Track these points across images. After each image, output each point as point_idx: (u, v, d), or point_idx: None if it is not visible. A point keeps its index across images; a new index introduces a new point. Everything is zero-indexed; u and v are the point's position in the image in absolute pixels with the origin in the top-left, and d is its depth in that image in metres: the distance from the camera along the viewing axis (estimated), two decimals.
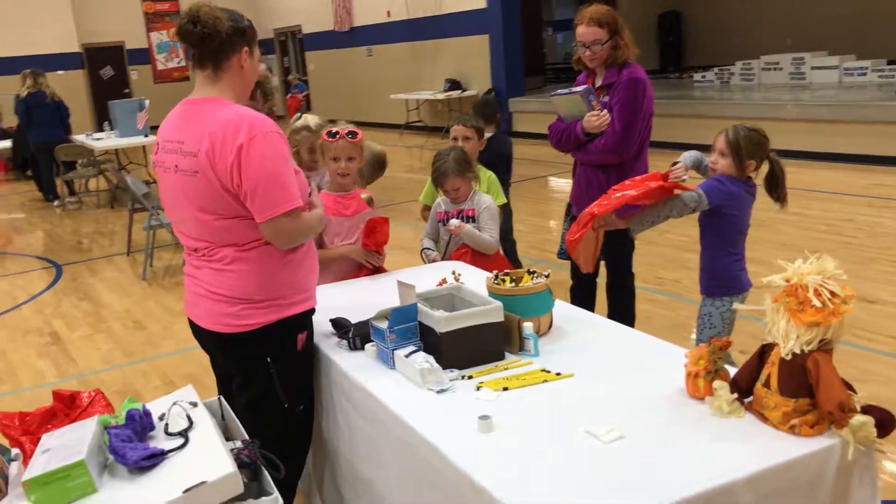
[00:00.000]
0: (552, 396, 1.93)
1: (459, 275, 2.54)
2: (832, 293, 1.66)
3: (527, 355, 2.17)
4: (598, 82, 3.54)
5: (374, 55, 16.58)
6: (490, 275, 2.40)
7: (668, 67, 16.03)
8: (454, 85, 14.15)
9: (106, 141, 10.34)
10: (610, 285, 3.87)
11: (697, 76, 12.82)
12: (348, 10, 17.16)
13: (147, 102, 10.60)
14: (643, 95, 3.46)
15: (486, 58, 13.48)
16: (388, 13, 15.74)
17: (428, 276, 2.68)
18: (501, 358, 2.16)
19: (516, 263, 5.46)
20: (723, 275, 2.98)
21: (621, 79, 3.45)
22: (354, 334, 2.30)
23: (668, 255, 5.86)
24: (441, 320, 2.08)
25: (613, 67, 3.49)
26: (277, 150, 2.10)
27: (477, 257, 3.31)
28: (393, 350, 2.12)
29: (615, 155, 3.48)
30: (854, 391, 1.69)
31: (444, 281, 2.48)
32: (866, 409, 1.64)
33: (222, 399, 2.09)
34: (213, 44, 2.14)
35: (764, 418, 1.71)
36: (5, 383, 4.43)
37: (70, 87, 18.18)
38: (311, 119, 3.53)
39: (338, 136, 2.99)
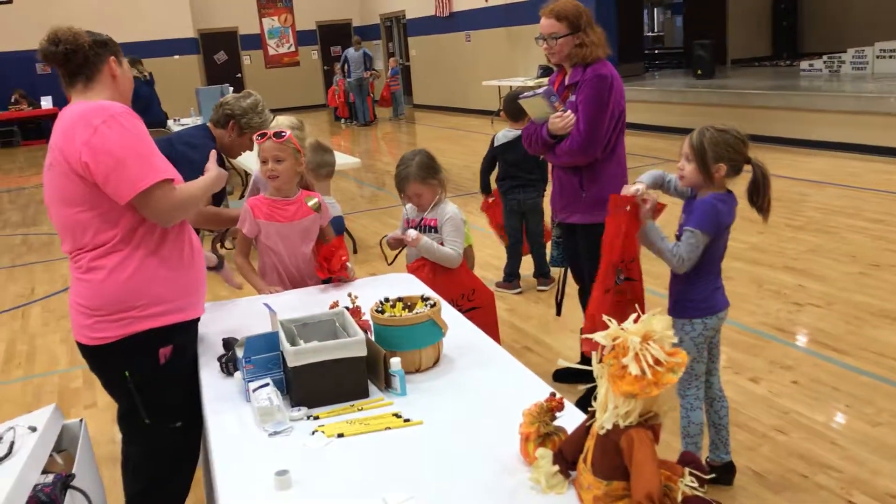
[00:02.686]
0: (382, 448, 1.75)
1: (356, 297, 2.38)
2: (656, 360, 1.39)
3: (392, 394, 1.99)
4: (567, 81, 3.34)
5: (472, 41, 16.40)
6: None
7: (782, 54, 15.02)
8: (546, 71, 13.76)
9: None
10: (581, 293, 3.61)
11: (805, 65, 11.92)
12: None
13: (231, 89, 10.86)
14: (609, 93, 3.23)
15: None
16: None
17: (329, 297, 2.53)
18: (365, 396, 1.99)
19: (542, 268, 5.22)
20: (696, 296, 2.69)
21: (585, 77, 3.26)
22: (228, 359, 2.18)
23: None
24: (291, 353, 1.93)
25: (579, 66, 3.28)
26: (130, 129, 2.11)
27: (437, 271, 3.13)
28: (248, 381, 1.99)
29: (582, 156, 3.29)
30: (681, 474, 1.43)
31: (336, 304, 2.32)
32: (688, 502, 1.38)
33: (84, 422, 2.03)
34: (77, 59, 2.16)
35: (581, 499, 1.48)
36: (21, 368, 4.61)
37: (186, 72, 19.03)
38: (283, 121, 3.43)
39: (265, 137, 2.88)
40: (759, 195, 2.61)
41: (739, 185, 2.68)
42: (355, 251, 6.51)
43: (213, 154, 2.55)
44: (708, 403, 2.81)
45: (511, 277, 5.24)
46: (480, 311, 3.17)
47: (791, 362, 3.81)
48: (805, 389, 3.53)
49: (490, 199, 5.27)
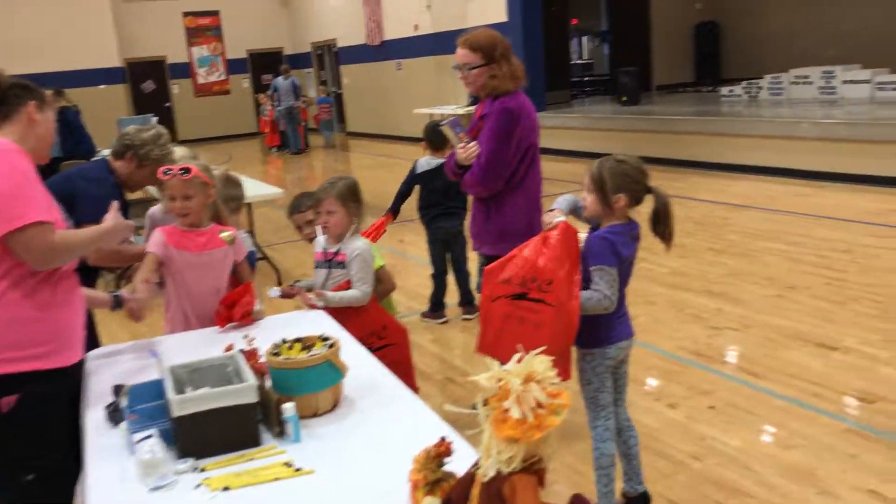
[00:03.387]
0: (270, 501, 1.67)
1: (252, 339, 2.29)
2: (538, 402, 1.35)
3: (286, 441, 1.91)
4: (482, 112, 3.36)
5: (403, 69, 16.46)
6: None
7: (704, 80, 15.47)
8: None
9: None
10: None
11: (725, 90, 12.29)
12: (378, 24, 17.10)
13: (154, 119, 10.64)
14: (514, 126, 3.25)
15: None
16: (416, 27, 15.61)
17: (229, 338, 2.44)
18: (257, 444, 1.90)
19: (467, 296, 5.19)
20: (598, 326, 2.67)
21: (493, 109, 3.28)
22: (114, 408, 2.07)
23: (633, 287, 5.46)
24: (176, 402, 1.83)
25: (490, 98, 3.29)
26: (16, 167, 2.06)
27: (347, 309, 3.05)
28: (132, 433, 1.89)
29: (482, 188, 3.30)
30: None
31: (231, 347, 2.23)
32: None
33: None
34: None
35: None
36: None
37: (112, 102, 18.58)
38: (179, 152, 3.33)
39: (171, 173, 2.78)
40: (661, 223, 2.64)
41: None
42: (279, 283, 6.38)
43: (113, 205, 2.47)
44: (617, 433, 2.79)
45: (436, 307, 5.20)
46: (393, 348, 3.11)
47: (709, 387, 3.84)
48: (721, 414, 3.56)
49: (388, 221, 5.13)
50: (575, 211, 2.74)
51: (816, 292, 5.02)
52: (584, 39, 22.69)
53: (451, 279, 5.20)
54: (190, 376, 2.03)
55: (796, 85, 11.14)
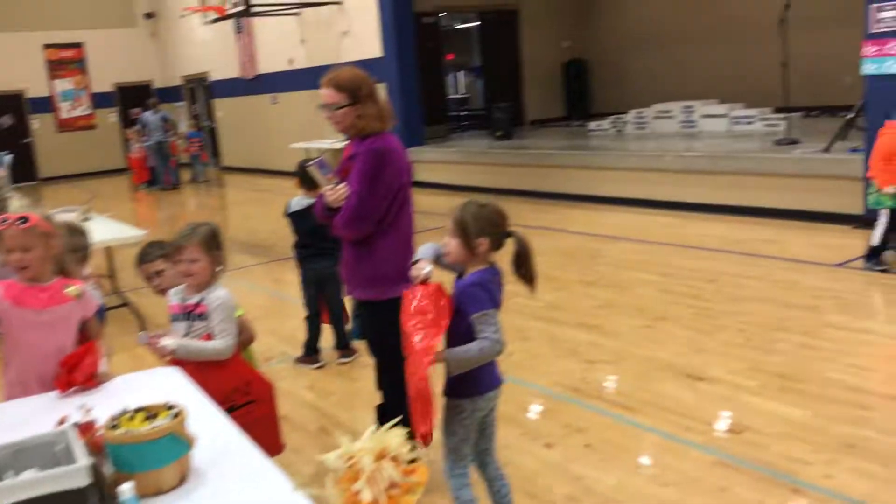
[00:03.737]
0: None
1: (90, 409, 2.08)
2: (392, 482, 1.24)
3: None
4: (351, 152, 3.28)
5: (278, 102, 16.20)
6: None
7: (574, 115, 15.98)
8: None
9: None
10: (380, 369, 3.47)
11: (593, 125, 12.71)
12: (252, 57, 16.80)
13: (8, 157, 9.95)
14: (383, 167, 3.18)
15: None
16: (291, 61, 15.43)
17: (65, 407, 2.22)
18: None
19: (342, 340, 5.03)
20: (466, 376, 2.60)
21: (361, 150, 3.20)
22: None
23: (509, 323, 5.46)
24: None
25: (359, 138, 3.21)
26: None
27: (207, 364, 2.86)
28: None
29: (353, 231, 3.21)
30: None
31: (64, 419, 2.02)
32: None
33: None
34: None
35: None
36: None
37: None
38: (15, 201, 3.07)
39: (6, 223, 2.54)
40: (522, 266, 2.65)
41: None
42: (144, 328, 6.02)
43: None
44: (488, 484, 2.74)
45: (311, 351, 5.01)
46: (258, 404, 2.93)
47: (584, 424, 3.83)
48: (597, 452, 3.55)
49: None
50: (438, 259, 2.69)
51: (686, 322, 5.16)
52: (461, 74, 23.08)
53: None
54: (13, 458, 1.81)
55: (659, 119, 11.64)
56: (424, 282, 2.56)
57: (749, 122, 10.58)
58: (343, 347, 5.01)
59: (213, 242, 2.97)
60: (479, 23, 16.71)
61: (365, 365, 4.37)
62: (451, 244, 2.60)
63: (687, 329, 5.03)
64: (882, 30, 6.91)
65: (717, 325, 5.06)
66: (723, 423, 3.72)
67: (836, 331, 4.75)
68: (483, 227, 2.56)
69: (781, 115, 10.02)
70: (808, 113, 11.16)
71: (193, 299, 2.93)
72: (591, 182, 9.91)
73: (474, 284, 2.56)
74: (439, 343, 2.49)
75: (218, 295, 2.93)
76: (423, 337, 2.41)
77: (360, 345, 4.44)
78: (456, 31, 20.54)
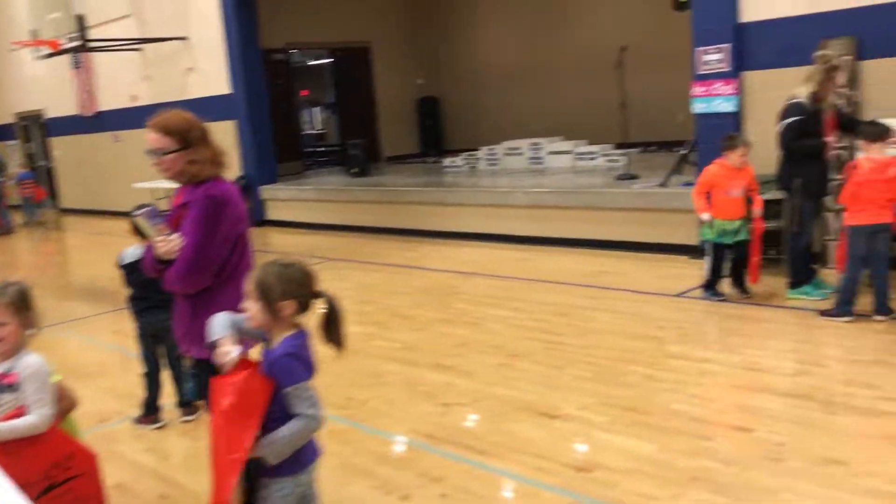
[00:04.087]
0: None
1: None
2: None
3: None
4: (182, 200, 3.08)
5: (121, 141, 15.42)
6: None
7: (429, 151, 16.16)
8: None
9: None
10: None
11: (447, 161, 12.88)
12: (92, 94, 15.96)
13: None
14: (220, 214, 3.01)
15: (236, 144, 12.86)
16: (134, 97, 14.77)
17: None
18: None
19: (184, 397, 4.74)
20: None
21: (195, 197, 3.02)
22: None
23: (366, 367, 5.34)
24: None
25: (191, 185, 3.05)
26: None
27: (20, 441, 2.57)
28: None
29: (188, 284, 3.01)
30: None
31: None
32: None
33: None
34: None
35: None
36: None
37: None
38: None
39: None
40: (332, 329, 2.52)
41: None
42: None
43: None
44: None
45: (150, 410, 4.68)
46: (81, 479, 2.67)
47: (440, 472, 3.75)
48: (453, 502, 3.47)
49: None
50: (238, 330, 2.51)
51: (539, 358, 5.22)
52: (317, 111, 22.91)
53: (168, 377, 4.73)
54: None
55: (509, 156, 11.93)
56: (234, 368, 2.36)
57: (592, 158, 11.02)
58: (185, 405, 4.71)
59: (23, 303, 2.71)
60: (331, 59, 16.64)
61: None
62: (254, 309, 2.44)
63: (540, 365, 5.08)
64: (708, 71, 7.38)
65: (568, 359, 5.14)
66: (575, 461, 3.74)
67: (679, 361, 4.93)
68: (288, 289, 2.41)
69: (622, 151, 10.50)
70: (645, 149, 11.78)
71: (1, 368, 2.64)
72: (447, 218, 9.99)
73: (287, 355, 2.40)
74: (250, 441, 2.30)
75: (29, 362, 2.66)
76: (230, 443, 2.23)
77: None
78: (309, 67, 20.42)
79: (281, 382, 2.36)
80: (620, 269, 7.50)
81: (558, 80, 14.08)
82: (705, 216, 5.98)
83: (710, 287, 6.16)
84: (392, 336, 6.01)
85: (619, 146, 10.91)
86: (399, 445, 4.14)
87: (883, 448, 3.57)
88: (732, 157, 5.92)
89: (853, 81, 6.52)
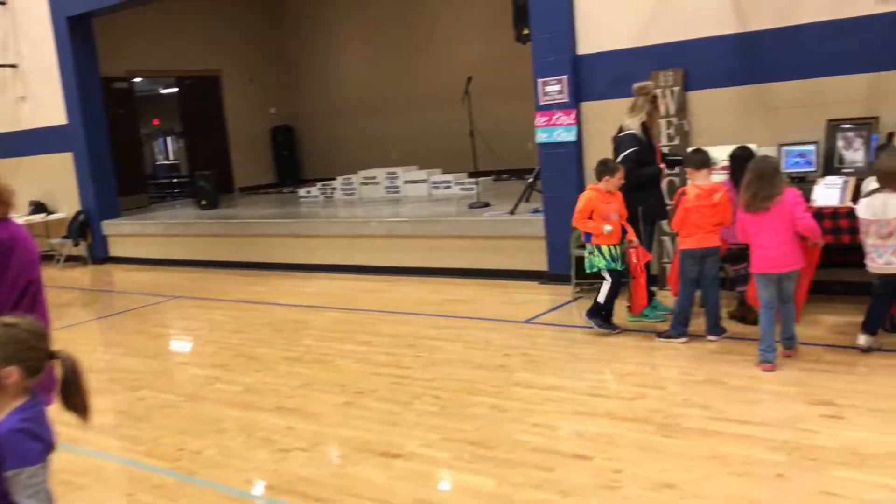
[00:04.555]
0: None
1: None
2: None
3: None
4: None
5: None
6: None
7: (285, 181, 15.84)
8: (38, 208, 12.49)
9: None
10: None
11: (302, 191, 12.64)
12: None
13: None
14: (8, 258, 2.79)
15: (73, 177, 12.10)
16: None
17: None
18: None
19: None
20: None
21: None
22: None
23: (203, 413, 5.03)
24: None
25: None
26: None
27: None
28: None
29: None
30: None
31: None
32: None
33: None
34: None
35: None
36: None
37: None
38: None
39: None
40: (73, 395, 2.24)
41: None
42: None
43: None
44: None
45: None
46: None
47: None
48: None
49: None
50: None
51: (384, 394, 5.08)
52: (171, 139, 22.05)
53: None
54: None
55: (366, 185, 11.83)
56: None
57: (448, 187, 11.09)
58: None
59: None
60: (177, 88, 16.06)
61: None
62: None
63: (385, 401, 4.94)
64: (549, 102, 7.56)
65: (414, 393, 5.03)
66: (414, 503, 3.62)
67: (524, 390, 4.92)
68: (11, 353, 2.12)
69: (475, 180, 10.62)
70: (499, 177, 11.98)
71: None
72: (299, 250, 9.74)
73: (13, 431, 2.10)
74: None
75: None
76: None
77: None
78: (161, 95, 19.63)
79: (4, 463, 2.07)
80: (471, 297, 7.51)
81: (413, 110, 14.18)
82: (607, 227, 5.71)
83: (601, 315, 5.89)
84: (234, 378, 5.72)
85: (473, 175, 11.04)
86: (232, 500, 3.87)
87: (712, 468, 3.65)
88: (611, 182, 5.75)
89: (681, 111, 6.84)
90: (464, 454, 4.07)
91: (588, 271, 5.99)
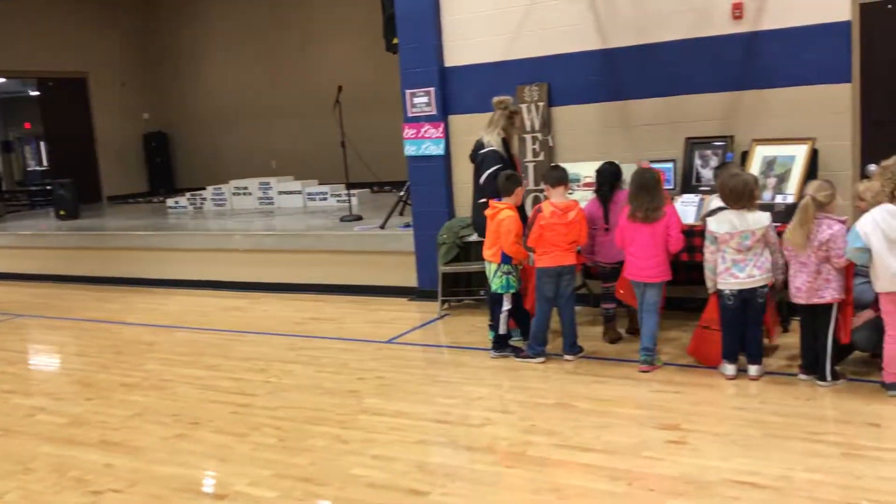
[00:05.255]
0: None
1: None
2: None
3: None
4: None
5: None
6: None
7: (158, 190, 15.11)
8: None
9: None
10: None
11: (171, 202, 12.03)
12: None
13: None
14: None
15: None
16: None
17: None
18: None
19: None
20: None
21: None
22: None
23: (15, 451, 4.52)
24: None
25: None
26: None
27: None
28: None
29: None
30: None
31: None
32: None
33: None
34: None
35: None
36: None
37: None
38: None
39: None
40: None
41: None
42: None
43: None
44: None
45: None
46: None
47: None
48: None
49: None
50: None
51: (221, 425, 4.71)
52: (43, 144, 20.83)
53: None
54: None
55: (238, 195, 11.35)
56: None
57: (323, 199, 10.75)
58: None
59: None
60: (38, 91, 15.09)
61: None
62: None
63: (220, 434, 4.58)
64: (417, 114, 7.35)
65: (253, 424, 4.68)
66: None
67: (371, 418, 4.66)
68: None
69: (352, 192, 10.31)
70: (379, 188, 11.72)
71: None
72: (160, 264, 9.21)
73: None
74: None
75: None
76: None
77: None
78: (31, 98, 18.44)
79: None
80: (336, 316, 7.21)
81: (291, 118, 13.79)
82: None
83: (506, 343, 5.58)
84: (60, 409, 5.22)
85: (351, 186, 10.73)
86: None
87: (550, 502, 3.48)
88: (520, 196, 5.49)
89: (546, 126, 6.76)
90: (294, 492, 3.77)
91: (502, 293, 5.45)
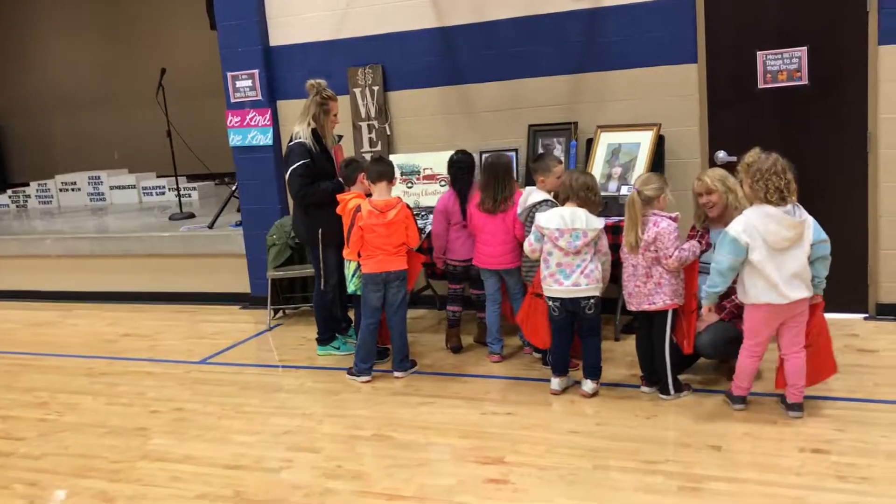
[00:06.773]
0: None
1: None
2: None
3: None
4: None
5: None
6: None
7: None
8: None
9: None
10: None
11: None
12: None
13: None
14: None
15: None
16: None
17: None
18: None
19: None
20: None
21: None
22: None
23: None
24: None
25: None
26: None
27: None
28: None
29: None
30: None
31: None
32: None
33: None
34: None
35: None
36: None
37: None
38: None
39: None
40: None
41: None
42: None
43: None
44: None
45: None
46: None
47: None
48: None
49: None
50: None
51: None
52: None
53: None
54: None
55: (65, 192, 10.21)
56: None
57: (161, 193, 9.77)
58: None
59: None
60: None
61: None
62: None
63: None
64: (241, 99, 6.57)
65: (11, 478, 3.85)
66: None
67: (151, 464, 3.90)
68: None
69: (193, 185, 9.42)
70: (222, 181, 10.80)
71: None
72: None
73: None
74: None
75: None
76: None
77: None
78: None
79: None
80: (153, 330, 6.36)
81: (126, 108, 12.58)
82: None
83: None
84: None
85: (192, 178, 9.82)
86: None
87: None
88: (364, 186, 4.83)
89: (382, 113, 6.11)
90: None
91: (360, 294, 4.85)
